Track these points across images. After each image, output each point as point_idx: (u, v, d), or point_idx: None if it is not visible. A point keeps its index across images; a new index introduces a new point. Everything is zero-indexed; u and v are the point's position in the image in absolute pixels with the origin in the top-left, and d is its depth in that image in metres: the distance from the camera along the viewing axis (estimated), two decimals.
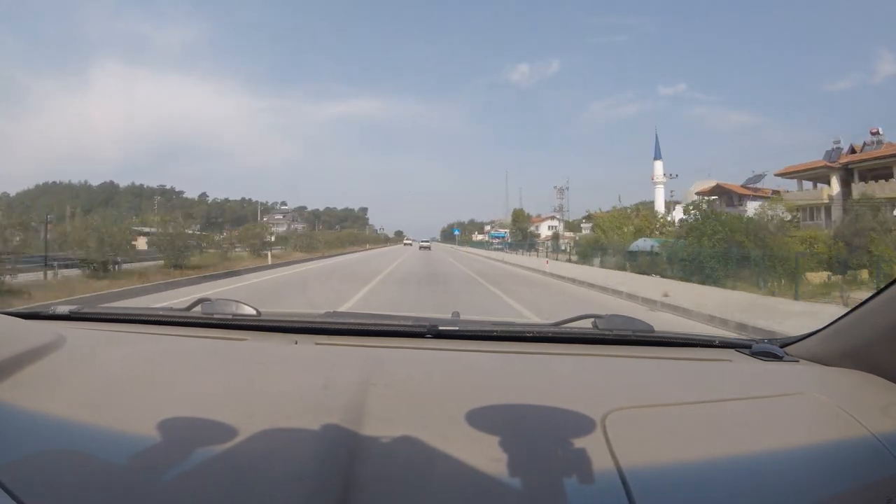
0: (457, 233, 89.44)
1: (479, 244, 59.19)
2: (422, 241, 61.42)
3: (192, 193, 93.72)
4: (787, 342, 1.03)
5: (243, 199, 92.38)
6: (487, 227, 76.72)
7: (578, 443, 0.57)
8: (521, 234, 49.55)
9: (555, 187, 56.66)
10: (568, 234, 45.81)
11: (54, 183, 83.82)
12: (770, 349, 0.98)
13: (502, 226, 62.21)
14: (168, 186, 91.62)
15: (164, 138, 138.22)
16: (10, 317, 1.00)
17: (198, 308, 1.14)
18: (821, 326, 0.98)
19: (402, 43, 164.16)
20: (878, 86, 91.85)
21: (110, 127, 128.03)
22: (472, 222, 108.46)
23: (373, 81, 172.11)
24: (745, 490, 0.53)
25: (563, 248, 28.12)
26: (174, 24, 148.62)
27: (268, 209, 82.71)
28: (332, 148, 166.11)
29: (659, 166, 38.22)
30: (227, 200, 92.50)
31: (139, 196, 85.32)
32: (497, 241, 54.99)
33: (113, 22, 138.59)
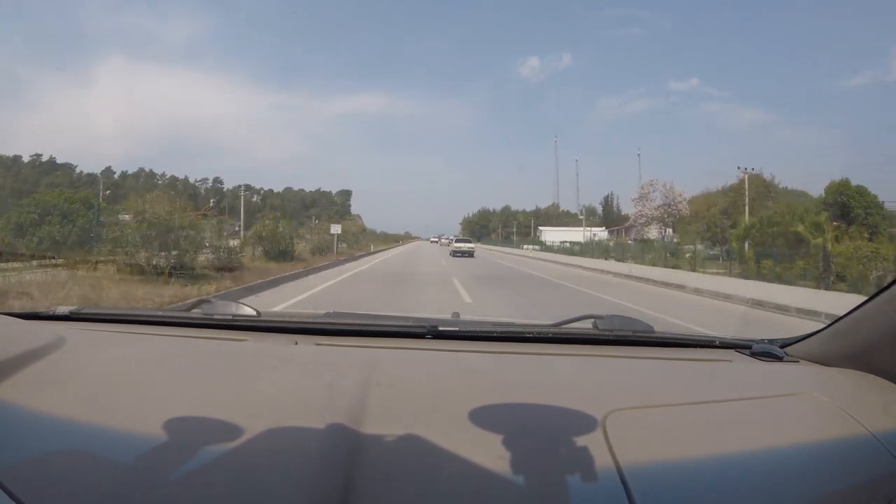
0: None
1: None
2: (456, 241, 31.00)
3: (91, 168, 79.02)
4: (787, 342, 1.03)
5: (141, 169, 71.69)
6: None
7: (579, 443, 0.57)
8: None
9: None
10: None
11: None
12: (770, 349, 0.98)
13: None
14: (69, 163, 76.61)
15: (155, 128, 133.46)
16: (10, 317, 1.00)
17: (198, 309, 1.14)
18: (821, 327, 0.98)
19: (406, 38, 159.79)
20: (891, 83, 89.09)
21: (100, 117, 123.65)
22: (506, 210, 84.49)
23: (376, 75, 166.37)
24: (745, 490, 0.54)
25: None
26: (175, 16, 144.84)
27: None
28: (333, 143, 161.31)
29: None
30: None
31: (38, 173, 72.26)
32: None
33: (116, 16, 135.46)
